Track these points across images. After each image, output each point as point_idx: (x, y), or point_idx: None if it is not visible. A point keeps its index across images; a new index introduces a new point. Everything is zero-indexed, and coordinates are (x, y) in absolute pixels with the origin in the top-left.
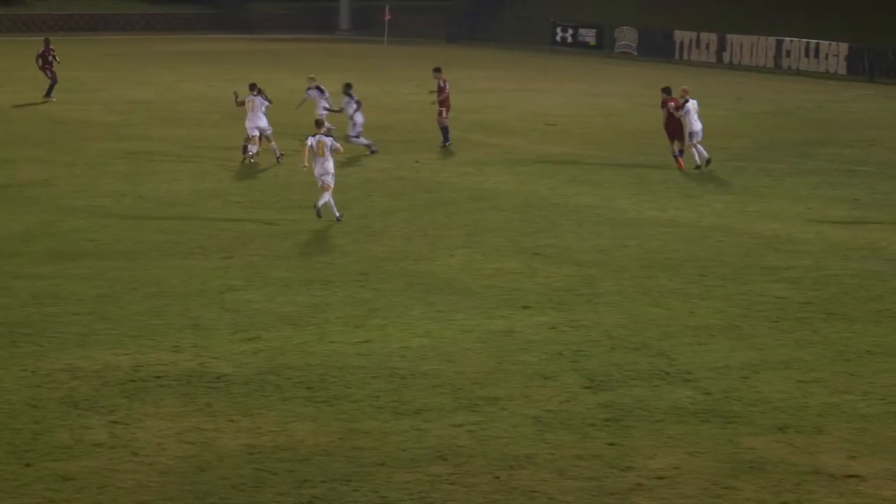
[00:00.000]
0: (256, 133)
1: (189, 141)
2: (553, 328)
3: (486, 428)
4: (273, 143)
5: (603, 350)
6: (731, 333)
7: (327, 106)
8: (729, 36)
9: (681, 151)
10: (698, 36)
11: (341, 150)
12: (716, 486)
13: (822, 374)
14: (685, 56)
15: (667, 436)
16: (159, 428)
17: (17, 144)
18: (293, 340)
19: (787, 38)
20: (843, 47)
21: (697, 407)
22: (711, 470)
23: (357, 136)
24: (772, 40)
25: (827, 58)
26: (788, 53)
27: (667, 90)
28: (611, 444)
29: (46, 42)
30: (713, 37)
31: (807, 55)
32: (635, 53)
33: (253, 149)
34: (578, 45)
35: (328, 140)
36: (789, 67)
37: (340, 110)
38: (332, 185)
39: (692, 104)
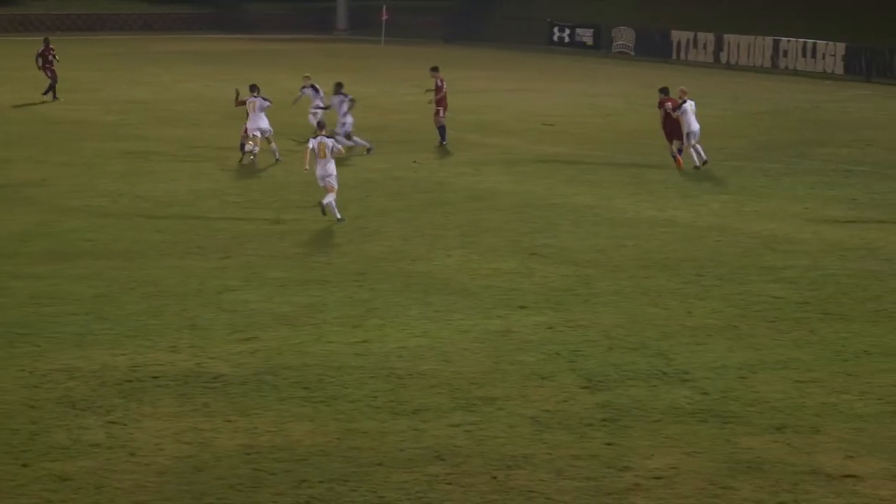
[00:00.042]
0: (258, 134)
1: (186, 141)
2: (550, 328)
3: (483, 428)
4: (273, 143)
5: (600, 350)
6: (729, 333)
7: (320, 104)
8: (726, 36)
9: (679, 150)
10: (695, 36)
11: (343, 151)
12: (713, 485)
13: (820, 373)
14: (682, 56)
15: (664, 436)
16: (157, 428)
17: (14, 144)
18: (290, 340)
19: (784, 38)
20: (841, 47)
21: (695, 407)
22: (709, 470)
23: (347, 136)
24: (769, 40)
25: (824, 58)
26: (785, 53)
27: (664, 90)
28: (608, 444)
29: (46, 42)
30: (710, 37)
31: (804, 55)
32: (632, 53)
33: (256, 149)
34: (575, 45)
35: (329, 142)
36: (786, 67)
37: (328, 107)
38: (335, 187)
39: (690, 105)
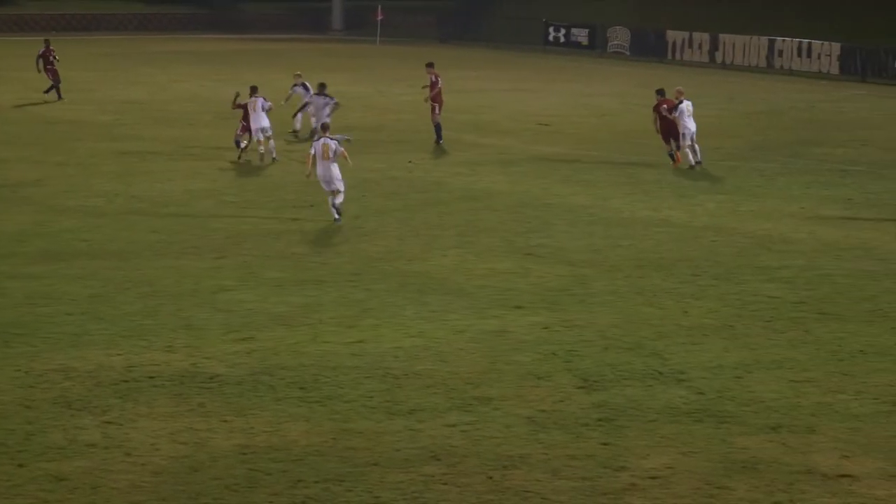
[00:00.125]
0: (260, 135)
1: (182, 141)
2: (546, 328)
3: (479, 428)
4: (272, 142)
5: (596, 350)
6: (725, 333)
7: (309, 100)
8: (721, 36)
9: (677, 146)
10: (690, 36)
11: (346, 154)
12: (709, 485)
13: (815, 373)
14: (677, 56)
15: (660, 436)
16: (152, 428)
17: (10, 144)
18: (286, 341)
19: (779, 38)
20: (836, 47)
21: (691, 407)
22: (704, 470)
23: (313, 132)
24: (764, 40)
25: (819, 57)
26: (781, 53)
27: (661, 92)
28: (604, 444)
29: (47, 43)
30: (705, 36)
31: (799, 55)
32: (628, 53)
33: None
34: (571, 45)
35: (333, 143)
36: (782, 67)
37: (306, 105)
38: (342, 189)
39: (686, 105)
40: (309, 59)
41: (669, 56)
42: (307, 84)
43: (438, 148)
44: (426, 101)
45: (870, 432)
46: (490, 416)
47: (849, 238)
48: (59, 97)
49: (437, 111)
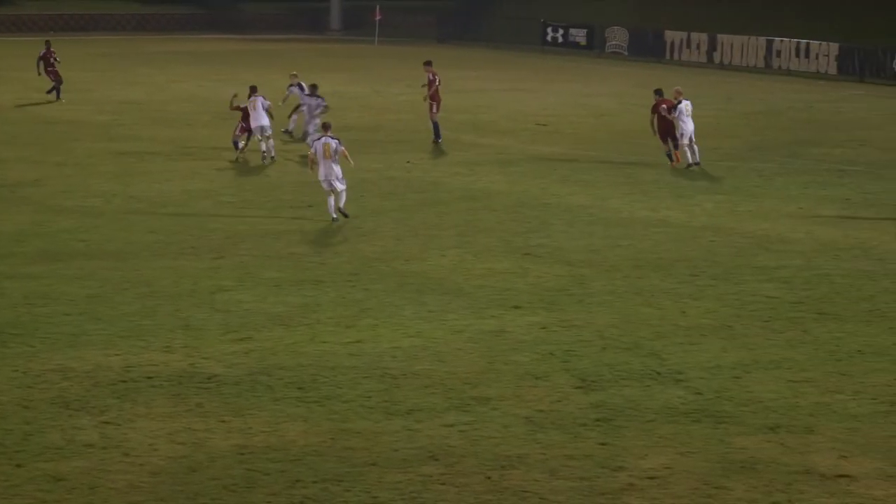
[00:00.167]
0: (259, 134)
1: (180, 141)
2: (544, 328)
3: (477, 428)
4: (271, 141)
5: (594, 350)
6: (723, 333)
7: (305, 100)
8: (719, 36)
9: (675, 145)
10: (689, 36)
11: (346, 153)
12: (707, 485)
13: (814, 373)
14: (676, 56)
15: (658, 436)
16: (150, 428)
17: (8, 144)
18: (284, 341)
19: (777, 38)
20: (834, 47)
21: (689, 407)
22: (702, 470)
23: (304, 135)
24: (762, 40)
25: (817, 58)
26: (779, 53)
27: (659, 92)
28: (602, 444)
29: (47, 44)
30: (704, 37)
31: (797, 55)
32: (626, 53)
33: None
34: (569, 46)
35: (334, 143)
36: (780, 67)
37: (299, 107)
38: (343, 188)
39: (685, 105)
40: (307, 59)
41: (668, 56)
42: (303, 84)
43: (437, 148)
44: (425, 99)
45: (868, 432)
46: (488, 416)
47: (847, 238)
48: (58, 97)
49: (434, 109)
